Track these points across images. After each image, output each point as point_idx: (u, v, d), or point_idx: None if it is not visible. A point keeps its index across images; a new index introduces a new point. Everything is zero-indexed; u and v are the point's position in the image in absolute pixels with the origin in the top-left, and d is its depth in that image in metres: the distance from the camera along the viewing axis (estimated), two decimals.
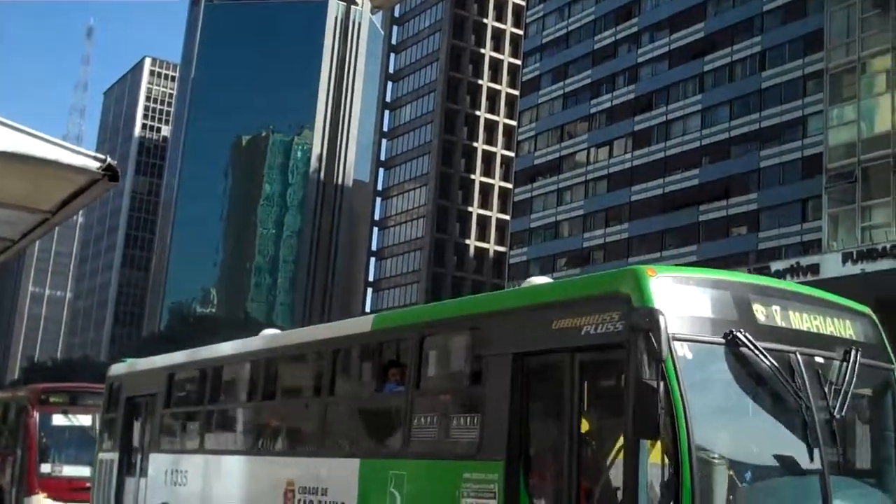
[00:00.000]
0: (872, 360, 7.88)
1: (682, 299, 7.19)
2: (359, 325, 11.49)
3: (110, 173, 6.56)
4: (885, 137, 46.03)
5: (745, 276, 8.77)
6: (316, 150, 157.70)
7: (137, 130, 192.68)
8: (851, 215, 46.95)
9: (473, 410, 8.47)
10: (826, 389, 7.36)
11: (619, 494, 7.06)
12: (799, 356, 7.33)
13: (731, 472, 6.94)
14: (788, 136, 65.83)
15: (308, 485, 10.22)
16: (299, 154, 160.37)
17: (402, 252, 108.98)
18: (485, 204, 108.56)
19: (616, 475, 7.19)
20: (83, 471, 18.35)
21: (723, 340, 7.11)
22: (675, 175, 73.77)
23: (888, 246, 37.36)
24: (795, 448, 7.23)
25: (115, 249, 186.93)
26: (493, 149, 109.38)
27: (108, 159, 6.50)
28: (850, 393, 7.43)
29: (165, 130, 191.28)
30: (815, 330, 7.73)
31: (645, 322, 6.73)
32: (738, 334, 7.11)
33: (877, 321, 8.36)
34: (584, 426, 7.55)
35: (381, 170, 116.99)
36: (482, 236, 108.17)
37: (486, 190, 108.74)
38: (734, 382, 7.36)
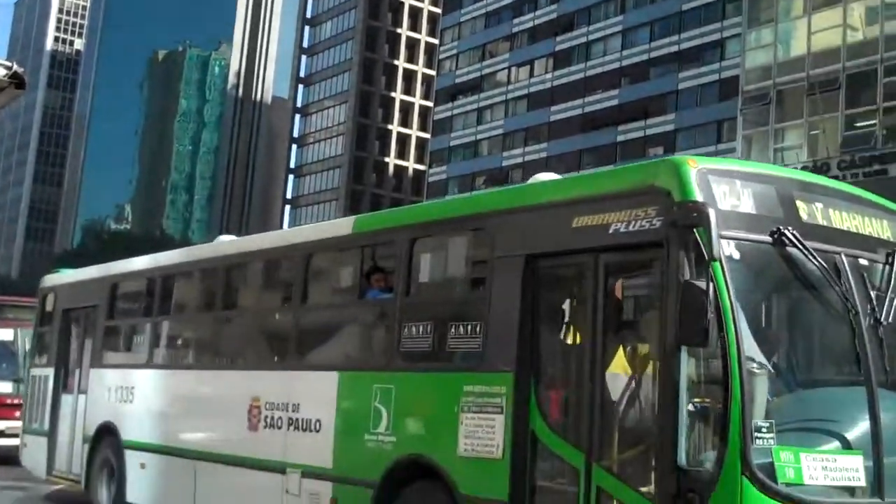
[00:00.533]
0: None
1: (725, 193, 6.41)
2: (336, 228, 10.45)
3: (16, 81, 6.01)
4: (801, 60, 46.30)
5: (787, 170, 7.82)
6: (234, 66, 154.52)
7: (49, 43, 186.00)
8: (765, 137, 47.39)
9: (476, 318, 7.66)
10: (871, 294, 6.69)
11: (650, 409, 6.45)
12: (844, 258, 6.66)
13: (777, 382, 6.42)
14: (707, 58, 66.24)
15: (277, 401, 9.37)
16: (217, 70, 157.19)
17: (320, 170, 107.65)
18: (405, 122, 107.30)
19: (646, 388, 6.57)
20: (5, 386, 17.66)
21: (769, 239, 6.41)
22: (595, 95, 73.63)
23: (798, 167, 37.70)
24: (842, 356, 6.80)
25: (25, 165, 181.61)
26: (414, 67, 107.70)
27: (14, 65, 6.03)
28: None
29: (79, 44, 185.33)
30: (857, 230, 7.04)
31: (692, 218, 6.05)
32: (786, 232, 6.41)
33: None
34: (608, 334, 6.81)
35: (301, 87, 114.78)
36: (402, 154, 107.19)
37: (406, 108, 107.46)
38: (780, 285, 6.86)
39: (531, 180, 8.58)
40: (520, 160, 79.01)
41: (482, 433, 7.23)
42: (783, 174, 7.40)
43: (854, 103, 43.41)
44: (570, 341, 7.16)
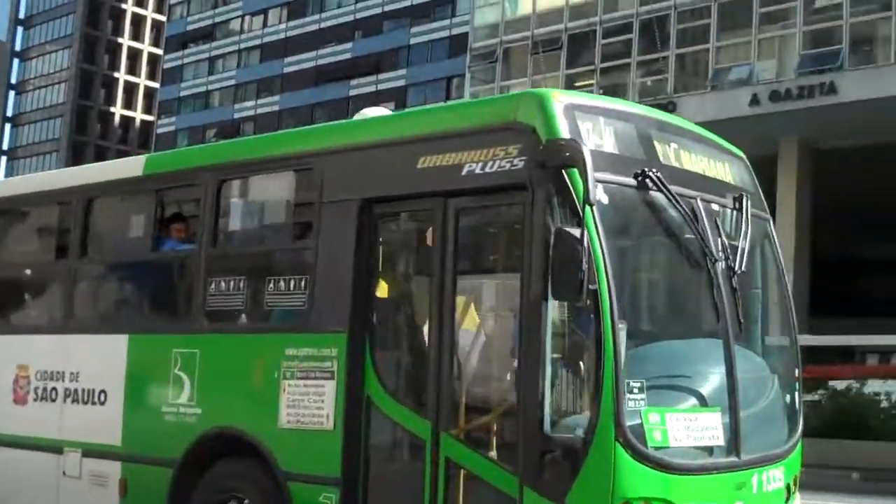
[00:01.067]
0: (755, 210, 6.75)
1: (589, 130, 5.82)
2: (124, 168, 9.06)
3: None
4: (527, 20, 46.77)
5: (641, 106, 7.14)
6: None
7: None
8: (491, 94, 48.17)
9: (299, 272, 6.81)
10: (725, 242, 6.24)
11: (509, 371, 5.95)
12: (700, 203, 6.16)
13: (642, 337, 5.90)
14: (439, 14, 66.91)
15: (49, 369, 8.20)
16: None
17: (40, 119, 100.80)
18: (133, 70, 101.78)
19: (504, 348, 6.10)
20: None
21: (633, 182, 5.86)
22: (328, 48, 73.05)
23: None
24: (700, 307, 6.34)
25: None
26: (143, 11, 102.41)
27: None
28: (747, 246, 6.38)
29: None
30: (707, 174, 6.54)
31: (564, 158, 5.47)
32: (651, 175, 5.86)
33: (749, 166, 7.25)
34: (459, 288, 6.12)
35: (20, 28, 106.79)
36: (129, 104, 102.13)
37: (134, 55, 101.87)
38: (643, 232, 6.29)
39: (358, 115, 7.76)
40: (252, 112, 77.27)
41: (309, 402, 6.49)
42: (640, 111, 6.86)
43: (574, 63, 44.79)
44: (413, 297, 6.58)
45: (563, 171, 5.51)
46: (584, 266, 5.19)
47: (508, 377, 5.98)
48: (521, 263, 5.77)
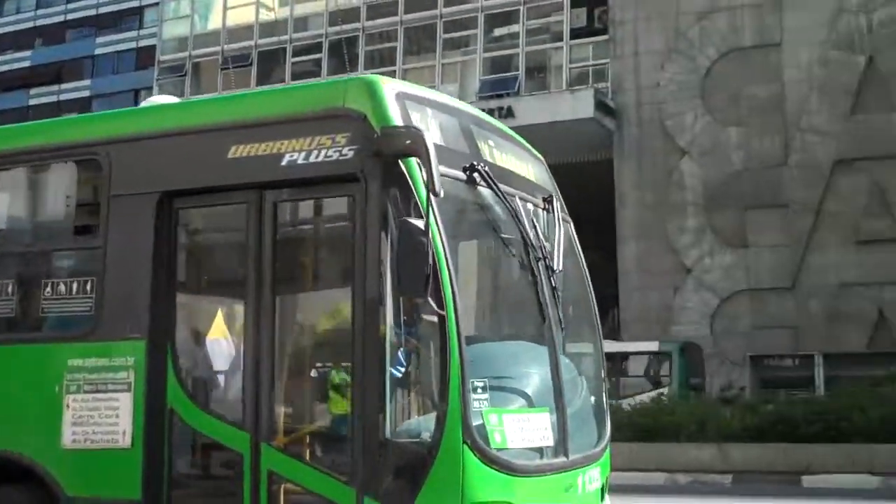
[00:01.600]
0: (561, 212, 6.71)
1: (419, 121, 5.49)
2: None
3: None
4: (216, 35, 46.62)
5: (458, 101, 6.81)
6: None
7: None
8: None
9: (84, 273, 6.07)
10: (543, 240, 6.09)
11: (342, 373, 5.48)
12: (519, 201, 5.98)
13: (478, 336, 5.64)
14: (126, 24, 64.81)
15: None
16: None
17: None
18: None
19: (335, 349, 5.62)
20: None
21: (463, 175, 5.58)
22: (6, 55, 68.54)
23: None
24: (526, 306, 6.10)
25: None
26: None
27: None
28: (562, 246, 6.24)
29: None
30: (521, 173, 6.41)
31: (404, 147, 5.12)
32: (479, 169, 5.61)
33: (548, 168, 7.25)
34: (277, 287, 5.61)
35: None
36: None
37: None
38: (472, 228, 6.02)
39: (146, 102, 7.14)
40: None
41: (100, 418, 5.74)
42: (462, 105, 6.58)
43: (264, 80, 44.49)
44: (224, 299, 6.05)
45: (402, 161, 5.17)
46: (430, 260, 4.89)
47: (341, 380, 5.53)
48: (352, 258, 5.35)
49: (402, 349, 5.24)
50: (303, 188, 5.64)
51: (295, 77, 43.24)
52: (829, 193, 35.13)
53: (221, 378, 6.03)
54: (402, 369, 5.23)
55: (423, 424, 5.18)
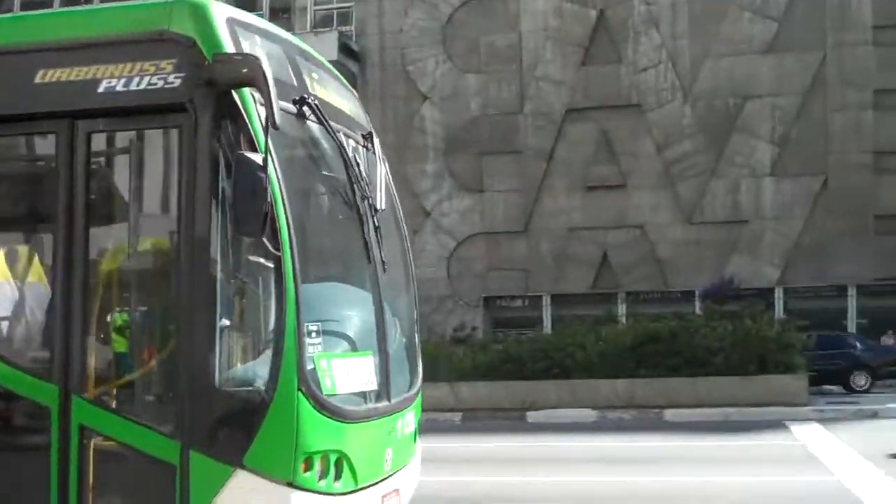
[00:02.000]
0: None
1: (251, 49, 5.00)
2: None
3: None
4: None
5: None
6: None
7: None
8: None
9: None
10: (367, 179, 5.78)
11: (162, 316, 5.06)
12: (344, 137, 5.63)
13: (306, 277, 5.00)
14: None
15: None
16: None
17: None
18: None
19: (155, 290, 5.17)
20: None
21: (294, 108, 5.13)
22: None
23: None
24: (351, 247, 5.78)
25: None
26: None
27: None
28: (384, 185, 5.99)
29: None
30: (344, 108, 6.03)
31: (241, 75, 4.67)
32: (310, 102, 5.19)
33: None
34: (91, 222, 5.07)
35: None
36: None
37: None
38: (302, 163, 5.52)
39: None
40: None
41: None
42: (286, 35, 5.95)
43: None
44: (30, 237, 5.48)
45: (235, 91, 4.77)
46: (269, 197, 4.55)
47: (164, 324, 5.09)
48: (179, 195, 4.90)
49: (233, 291, 4.89)
50: (122, 118, 5.13)
51: None
52: (560, 141, 36.60)
53: (24, 324, 5.51)
54: (232, 312, 4.88)
55: (256, 371, 4.82)
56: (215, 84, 4.76)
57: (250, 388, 4.78)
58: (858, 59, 35.96)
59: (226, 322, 4.79)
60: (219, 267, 4.81)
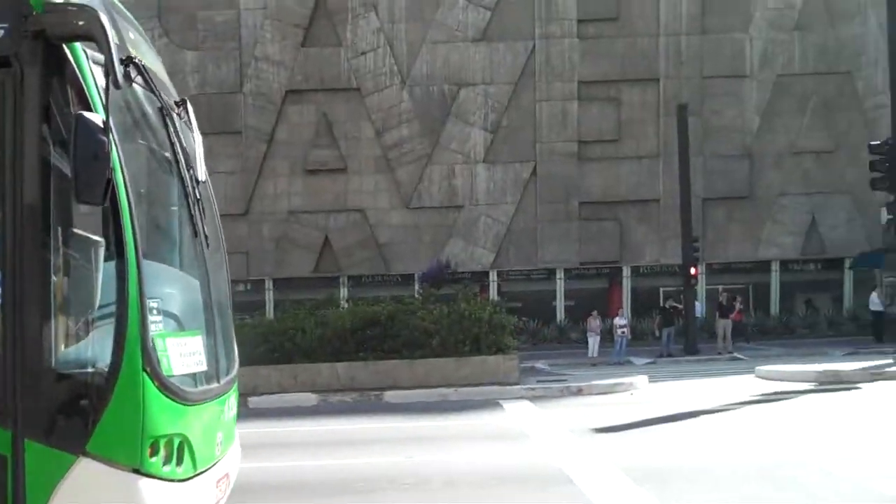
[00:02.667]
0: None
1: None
2: None
3: None
4: None
5: None
6: None
7: None
8: None
9: None
10: (188, 148, 5.47)
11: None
12: (166, 101, 5.26)
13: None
14: None
15: None
16: None
17: None
18: None
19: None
20: None
21: (121, 69, 4.54)
22: None
23: None
24: (181, 218, 5.44)
25: None
26: None
27: None
28: (202, 154, 5.66)
29: None
30: (159, 72, 5.50)
31: (76, 28, 4.28)
32: (137, 62, 4.79)
33: None
34: None
35: None
36: None
37: None
38: (130, 128, 4.97)
39: None
40: None
41: None
42: None
43: None
44: None
45: (67, 45, 4.37)
46: (111, 163, 4.23)
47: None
48: (2, 159, 4.43)
49: (67, 264, 4.48)
50: None
51: None
52: (280, 122, 36.22)
53: None
54: (68, 288, 4.49)
55: (97, 351, 4.49)
56: (46, 37, 4.35)
57: (91, 370, 4.47)
58: (564, 51, 37.97)
59: (60, 298, 4.43)
60: (51, 238, 4.41)
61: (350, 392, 18.19)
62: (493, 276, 38.62)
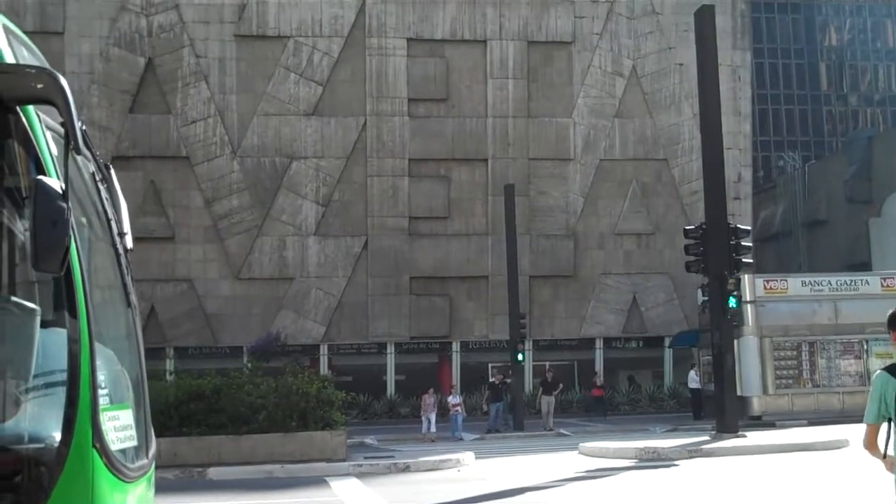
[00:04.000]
0: None
1: (29, 59, 4.46)
2: None
3: None
4: None
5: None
6: None
7: None
8: None
9: None
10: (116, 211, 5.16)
11: None
12: (100, 163, 5.03)
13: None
14: None
15: None
16: None
17: None
18: None
19: None
20: None
21: (62, 129, 4.19)
22: None
23: None
24: (113, 286, 5.16)
25: None
26: None
27: None
28: (126, 216, 5.32)
29: None
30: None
31: (34, 91, 4.04)
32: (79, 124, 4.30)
33: None
34: None
35: None
36: None
37: None
38: (75, 192, 4.55)
39: None
40: None
41: None
42: (29, 41, 4.90)
43: None
44: None
45: (21, 106, 4.14)
46: (69, 230, 3.99)
47: None
48: None
49: (19, 333, 4.25)
50: None
51: None
52: None
53: None
54: (18, 358, 4.23)
55: (46, 425, 4.18)
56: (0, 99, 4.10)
57: (42, 445, 4.10)
58: (395, 128, 38.55)
59: (8, 368, 4.15)
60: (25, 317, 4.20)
61: (172, 469, 17.51)
62: (323, 349, 38.28)
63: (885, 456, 5.85)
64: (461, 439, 27.32)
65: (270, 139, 37.58)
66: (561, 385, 32.83)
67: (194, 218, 36.82)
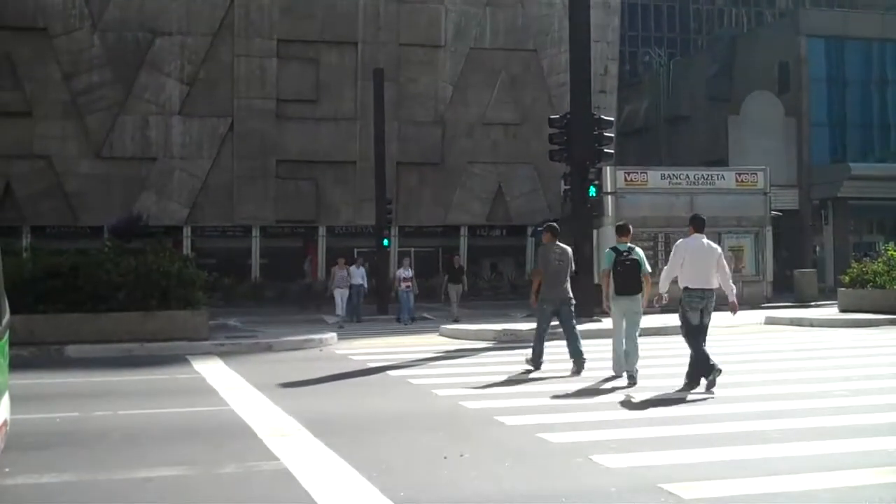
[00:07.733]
0: None
1: None
2: None
3: None
4: None
5: None
6: None
7: None
8: None
9: None
10: None
11: None
12: None
13: None
14: None
15: None
16: None
17: None
18: None
19: None
20: None
21: None
22: None
23: None
24: None
25: None
26: None
27: None
28: None
29: None
30: None
31: None
32: None
33: None
34: None
35: None
36: None
37: None
38: None
39: None
40: None
41: None
42: None
43: None
44: None
45: None
46: None
47: None
48: None
49: None
50: None
51: None
52: None
53: None
54: None
55: None
56: None
57: None
58: (263, 6, 37.49)
59: None
60: None
61: (28, 346, 17.18)
62: (187, 231, 37.68)
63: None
64: (413, 319, 25.56)
65: (133, 13, 36.09)
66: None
67: (52, 93, 35.33)
